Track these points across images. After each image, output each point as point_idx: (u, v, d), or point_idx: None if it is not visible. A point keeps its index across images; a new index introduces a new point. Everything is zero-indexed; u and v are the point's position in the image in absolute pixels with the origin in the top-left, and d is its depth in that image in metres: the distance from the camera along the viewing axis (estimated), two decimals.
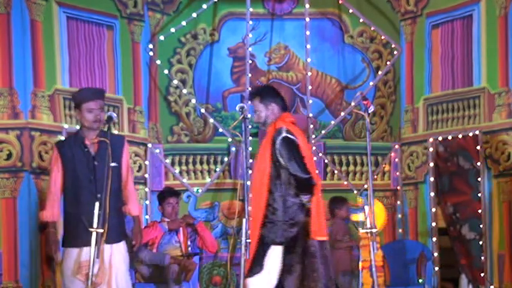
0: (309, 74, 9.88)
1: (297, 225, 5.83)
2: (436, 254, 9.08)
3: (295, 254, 5.83)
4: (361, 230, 6.08)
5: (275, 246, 5.75)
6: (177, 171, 9.67)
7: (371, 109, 6.20)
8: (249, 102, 6.23)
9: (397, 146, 9.86)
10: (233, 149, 9.66)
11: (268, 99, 6.09)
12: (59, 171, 6.03)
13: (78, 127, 6.42)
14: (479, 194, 8.76)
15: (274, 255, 5.74)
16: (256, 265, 5.69)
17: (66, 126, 8.46)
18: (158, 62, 9.78)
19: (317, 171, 9.58)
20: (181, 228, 8.17)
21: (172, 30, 9.82)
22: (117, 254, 6.00)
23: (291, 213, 5.82)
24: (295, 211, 5.81)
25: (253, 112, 6.15)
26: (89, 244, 5.67)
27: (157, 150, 9.59)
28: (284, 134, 5.88)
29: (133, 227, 6.32)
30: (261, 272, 5.73)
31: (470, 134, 8.91)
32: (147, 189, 9.45)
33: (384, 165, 9.91)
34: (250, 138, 9.11)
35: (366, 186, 9.64)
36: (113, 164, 5.80)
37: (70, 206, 6.01)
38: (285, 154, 5.84)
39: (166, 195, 8.18)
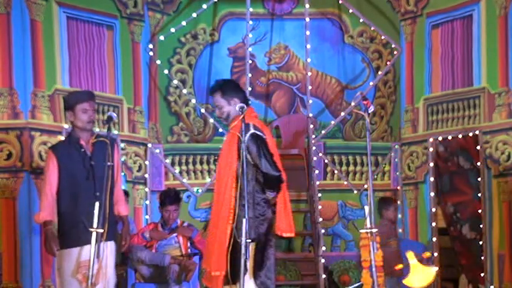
0: (309, 74, 9.88)
1: (267, 221, 5.82)
2: (436, 254, 9.08)
3: (267, 250, 5.81)
4: (361, 230, 6.06)
5: (250, 244, 5.74)
6: (177, 171, 9.67)
7: (371, 109, 6.18)
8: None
9: (397, 146, 9.86)
10: None
11: (230, 94, 5.94)
12: (55, 174, 6.02)
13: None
14: (480, 194, 8.76)
15: (250, 253, 5.73)
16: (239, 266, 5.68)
17: (66, 126, 8.45)
18: (158, 62, 9.78)
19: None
20: None
21: (172, 30, 9.82)
22: (109, 251, 6.04)
23: (260, 209, 5.78)
24: (263, 207, 5.79)
25: (215, 107, 6.01)
26: (89, 243, 5.68)
27: (157, 150, 9.59)
28: (252, 131, 5.78)
29: (123, 227, 6.36)
30: (247, 272, 5.73)
31: (470, 134, 8.91)
32: (147, 189, 9.45)
33: (384, 165, 9.91)
34: None
35: (366, 186, 9.64)
36: (109, 163, 5.84)
37: (68, 207, 6.01)
38: (253, 151, 5.76)
39: (165, 202, 8.06)
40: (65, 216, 6.00)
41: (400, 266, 8.14)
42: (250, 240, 5.57)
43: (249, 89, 9.74)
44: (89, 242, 5.67)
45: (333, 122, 10.03)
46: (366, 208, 5.93)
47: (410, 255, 7.29)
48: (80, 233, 5.86)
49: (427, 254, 8.46)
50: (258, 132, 5.80)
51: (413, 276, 7.14)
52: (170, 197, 7.97)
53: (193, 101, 9.98)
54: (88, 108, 6.04)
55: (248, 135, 5.76)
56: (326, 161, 9.87)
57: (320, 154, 9.79)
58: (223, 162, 5.86)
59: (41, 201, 6.07)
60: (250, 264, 5.74)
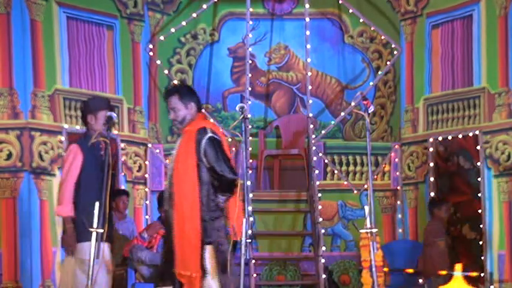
0: (309, 74, 9.87)
1: (219, 223, 5.83)
2: None
3: (225, 253, 5.81)
4: (361, 230, 6.06)
5: (207, 246, 5.74)
6: None
7: (371, 109, 6.19)
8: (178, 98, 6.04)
9: (397, 146, 9.86)
10: (233, 149, 9.66)
11: (187, 98, 5.94)
12: (78, 168, 6.12)
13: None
14: (480, 194, 8.76)
15: (209, 255, 5.73)
16: (201, 268, 5.70)
17: (66, 126, 8.46)
18: (158, 62, 9.78)
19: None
20: None
21: (172, 30, 9.82)
22: (108, 252, 6.14)
23: (213, 213, 5.80)
24: (216, 211, 5.80)
25: (170, 109, 5.94)
26: (109, 240, 5.96)
27: (157, 150, 9.59)
28: (210, 134, 5.81)
29: None
30: (207, 275, 5.74)
31: (470, 134, 8.91)
32: (147, 189, 9.45)
33: (384, 165, 9.90)
34: (250, 138, 9.12)
35: (366, 186, 9.64)
36: (113, 172, 5.97)
37: (89, 203, 6.09)
38: (211, 154, 5.76)
39: (162, 202, 8.03)
40: (87, 212, 6.09)
41: (444, 273, 8.13)
42: (243, 240, 5.57)
43: (249, 89, 9.75)
44: (109, 239, 5.96)
45: (333, 122, 10.02)
46: (366, 208, 5.94)
47: (458, 267, 7.28)
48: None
49: (473, 274, 8.46)
50: (215, 136, 5.83)
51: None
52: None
53: None
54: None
55: (206, 138, 5.78)
56: (326, 161, 9.87)
57: (320, 154, 9.79)
58: (181, 165, 5.83)
59: (64, 194, 6.10)
60: (212, 266, 5.73)
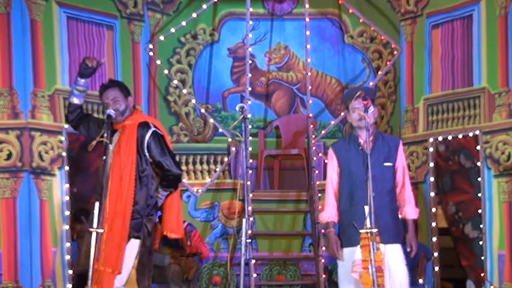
0: (309, 74, 9.88)
1: (153, 219, 5.85)
2: (436, 254, 9.08)
3: (147, 248, 5.83)
4: (361, 231, 6.05)
5: (134, 240, 5.75)
6: None
7: (371, 109, 6.19)
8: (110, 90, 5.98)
9: None
10: (233, 149, 9.67)
11: (126, 93, 5.99)
12: (335, 173, 6.22)
13: None
14: (480, 194, 8.75)
15: (132, 249, 5.74)
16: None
17: (66, 126, 8.45)
18: (158, 62, 9.78)
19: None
20: None
21: (172, 30, 9.83)
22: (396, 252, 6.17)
23: (150, 208, 5.81)
24: (153, 206, 5.82)
25: (111, 100, 5.91)
26: (357, 243, 5.95)
27: None
28: (153, 129, 5.85)
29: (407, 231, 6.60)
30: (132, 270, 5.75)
31: (471, 134, 8.91)
32: None
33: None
34: (250, 138, 9.12)
35: None
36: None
37: (344, 206, 6.18)
38: (156, 149, 5.79)
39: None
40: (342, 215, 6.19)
41: None
42: (243, 240, 5.56)
43: (249, 89, 9.75)
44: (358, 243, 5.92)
45: (332, 122, 10.02)
46: (366, 208, 5.93)
47: None
48: (354, 232, 6.01)
49: None
50: (159, 131, 5.86)
51: None
52: None
53: (193, 101, 9.98)
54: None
55: (149, 133, 5.80)
56: (326, 161, 9.86)
57: (320, 154, 9.79)
58: (122, 161, 5.80)
59: (325, 200, 6.17)
60: (131, 261, 5.73)
